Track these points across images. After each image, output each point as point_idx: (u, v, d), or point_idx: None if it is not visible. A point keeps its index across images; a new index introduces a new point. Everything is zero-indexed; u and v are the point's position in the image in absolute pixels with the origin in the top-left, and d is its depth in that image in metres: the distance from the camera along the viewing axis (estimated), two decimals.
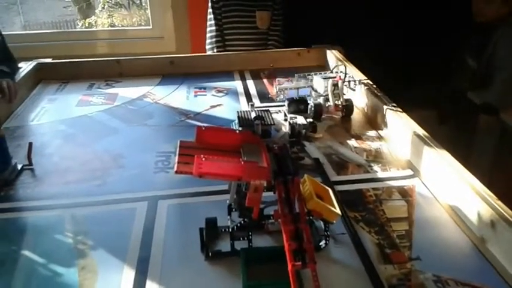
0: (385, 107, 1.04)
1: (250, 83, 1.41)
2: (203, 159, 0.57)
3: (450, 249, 0.67)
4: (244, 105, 1.23)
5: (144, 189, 0.84)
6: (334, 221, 0.62)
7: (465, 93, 1.76)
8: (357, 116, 1.15)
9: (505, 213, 0.65)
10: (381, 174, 0.88)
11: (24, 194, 0.84)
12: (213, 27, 1.80)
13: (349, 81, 1.15)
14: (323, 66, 1.52)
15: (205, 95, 1.32)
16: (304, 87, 1.17)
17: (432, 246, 0.67)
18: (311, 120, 1.04)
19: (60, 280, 0.62)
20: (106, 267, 0.64)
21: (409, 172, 0.88)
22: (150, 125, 1.13)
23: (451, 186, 0.77)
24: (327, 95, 1.12)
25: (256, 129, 0.96)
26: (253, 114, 1.02)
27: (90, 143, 1.03)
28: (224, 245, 0.66)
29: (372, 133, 1.06)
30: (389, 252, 0.66)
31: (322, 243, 0.66)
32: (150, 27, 2.32)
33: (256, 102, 1.25)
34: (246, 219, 0.64)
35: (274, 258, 0.58)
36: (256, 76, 1.47)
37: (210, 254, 0.65)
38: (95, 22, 4.96)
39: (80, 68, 1.48)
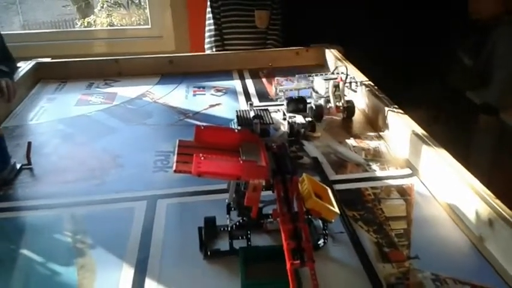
0: (386, 108, 1.03)
1: (249, 82, 1.41)
2: (202, 158, 0.57)
3: (448, 248, 0.67)
4: (243, 105, 1.23)
5: (143, 189, 0.84)
6: (333, 220, 0.63)
7: (464, 92, 1.76)
8: (357, 117, 1.14)
9: (503, 212, 0.65)
10: (379, 173, 0.88)
11: (23, 193, 0.84)
12: (212, 27, 1.80)
13: (350, 83, 1.14)
14: (322, 66, 1.53)
15: (204, 94, 1.32)
16: (305, 88, 1.16)
17: (430, 245, 0.67)
18: (310, 119, 1.04)
19: (59, 279, 0.62)
20: (105, 266, 0.64)
21: (408, 171, 0.88)
22: (149, 124, 1.13)
23: (450, 185, 0.77)
24: (328, 96, 1.11)
25: (255, 128, 0.96)
26: (252, 114, 1.02)
27: (89, 143, 1.03)
28: (223, 244, 0.67)
29: (371, 133, 1.06)
30: (388, 251, 0.66)
31: (321, 242, 0.66)
32: (149, 26, 2.32)
33: (255, 101, 1.25)
34: (244, 218, 0.64)
35: (273, 257, 0.58)
36: (255, 75, 1.47)
37: (209, 253, 0.65)
38: (94, 21, 4.96)
39: (79, 67, 1.48)
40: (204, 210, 0.72)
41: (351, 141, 1.01)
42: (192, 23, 2.21)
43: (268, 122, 1.01)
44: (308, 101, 1.09)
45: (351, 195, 0.81)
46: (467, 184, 0.73)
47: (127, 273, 0.63)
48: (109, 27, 4.21)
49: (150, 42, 2.28)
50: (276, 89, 1.18)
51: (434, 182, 0.82)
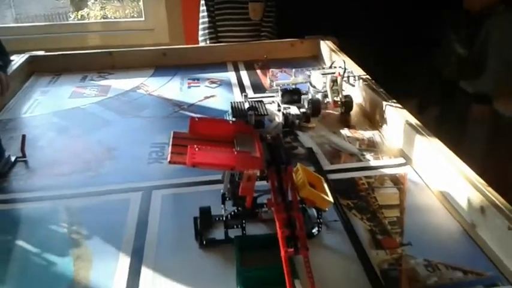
0: (384, 103, 1.01)
1: (244, 74, 1.41)
2: (196, 149, 0.57)
3: (441, 235, 0.68)
4: (237, 96, 1.23)
5: (138, 180, 0.84)
6: (327, 209, 0.63)
7: (458, 82, 1.77)
8: (355, 111, 1.13)
9: (495, 199, 0.66)
10: (373, 162, 0.89)
11: (18, 185, 0.84)
12: (206, 19, 1.80)
13: (348, 77, 1.13)
14: (317, 57, 1.53)
15: (199, 86, 1.32)
16: (302, 82, 1.15)
17: (423, 232, 0.68)
18: (304, 110, 1.04)
19: (55, 269, 0.63)
20: (101, 256, 0.65)
21: (401, 160, 0.89)
22: (143, 117, 1.13)
23: (442, 173, 0.78)
24: (326, 91, 1.10)
25: (249, 119, 0.96)
26: (246, 105, 1.02)
27: (84, 135, 1.03)
28: (218, 233, 0.67)
29: (367, 125, 1.05)
30: (381, 238, 0.67)
31: (315, 230, 0.67)
32: (143, 19, 2.31)
33: (250, 93, 1.25)
34: (239, 208, 0.64)
35: (268, 245, 0.59)
36: (249, 67, 1.46)
37: (204, 242, 0.66)
38: (88, 14, 4.91)
39: (73, 60, 1.48)
40: (199, 201, 0.72)
41: (345, 132, 1.02)
42: (185, 16, 2.20)
43: (262, 113, 1.01)
44: (306, 96, 1.08)
45: (345, 184, 0.81)
46: (459, 172, 0.74)
47: (123, 263, 0.63)
48: (103, 20, 4.17)
49: (144, 34, 2.28)
50: (272, 82, 1.17)
51: (428, 171, 0.83)
